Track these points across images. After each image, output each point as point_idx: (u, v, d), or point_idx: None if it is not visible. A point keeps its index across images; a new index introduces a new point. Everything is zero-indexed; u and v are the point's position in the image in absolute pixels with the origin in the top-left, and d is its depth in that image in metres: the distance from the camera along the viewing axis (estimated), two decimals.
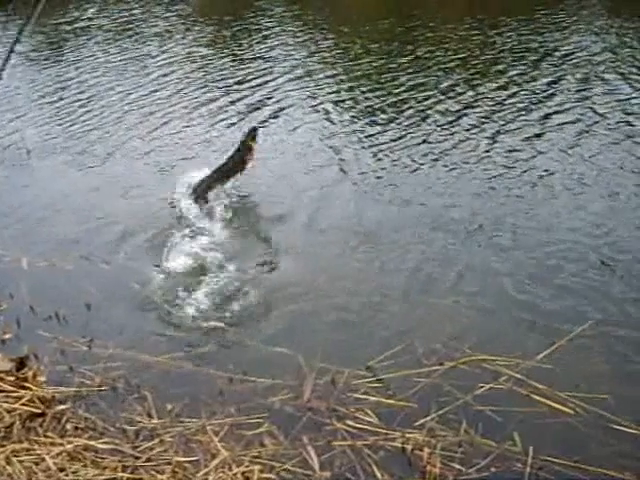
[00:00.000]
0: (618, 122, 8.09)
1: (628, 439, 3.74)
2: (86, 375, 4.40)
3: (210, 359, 4.55)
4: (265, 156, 7.35)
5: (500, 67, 10.48)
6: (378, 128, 8.39)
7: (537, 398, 4.03)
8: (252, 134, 6.89)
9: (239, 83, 10.49)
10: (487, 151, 7.55)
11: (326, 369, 4.31)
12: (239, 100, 9.63)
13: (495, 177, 6.98)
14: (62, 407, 4.12)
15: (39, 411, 4.05)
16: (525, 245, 5.73)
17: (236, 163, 6.81)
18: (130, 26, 14.70)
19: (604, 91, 9.13)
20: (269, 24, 14.27)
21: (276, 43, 12.74)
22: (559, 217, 6.15)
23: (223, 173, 6.79)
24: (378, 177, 7.13)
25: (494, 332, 4.69)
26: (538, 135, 7.91)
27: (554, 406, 3.97)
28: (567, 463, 3.60)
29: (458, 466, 3.61)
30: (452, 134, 8.04)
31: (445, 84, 9.76)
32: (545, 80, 9.72)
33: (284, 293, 5.24)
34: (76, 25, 15.11)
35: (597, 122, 8.13)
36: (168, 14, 15.74)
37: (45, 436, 3.87)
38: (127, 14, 15.89)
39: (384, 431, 3.86)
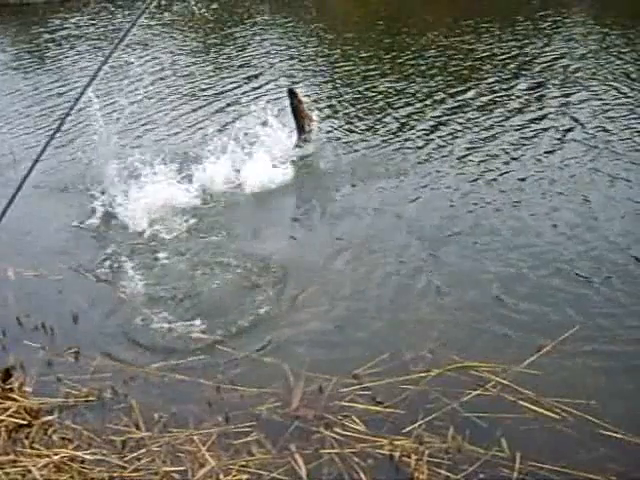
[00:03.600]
0: (594, 128, 8.19)
1: (614, 444, 3.75)
2: (73, 386, 4.38)
3: (197, 369, 4.54)
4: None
5: (479, 74, 10.58)
6: (355, 134, 8.43)
7: (524, 404, 4.04)
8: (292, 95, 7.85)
9: (218, 89, 10.52)
10: (462, 158, 7.62)
11: (313, 377, 4.31)
12: (218, 107, 9.65)
13: (472, 183, 7.05)
14: (49, 418, 4.10)
15: (25, 422, 4.03)
16: (507, 252, 5.74)
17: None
18: (113, 35, 14.71)
19: (581, 98, 9.23)
20: (252, 32, 14.32)
21: (258, 51, 12.80)
22: (538, 223, 6.19)
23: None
24: (356, 185, 7.16)
25: (481, 339, 4.70)
26: (514, 142, 7.99)
27: (541, 412, 3.98)
28: (554, 468, 3.61)
29: (446, 472, 3.61)
30: (428, 141, 8.11)
31: (424, 90, 9.85)
32: (522, 87, 9.85)
33: (270, 303, 5.22)
34: (58, 34, 15.09)
35: (573, 128, 8.23)
36: (152, 23, 15.75)
37: (31, 447, 3.84)
38: (110, 23, 15.89)
39: (372, 438, 3.86)
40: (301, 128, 7.93)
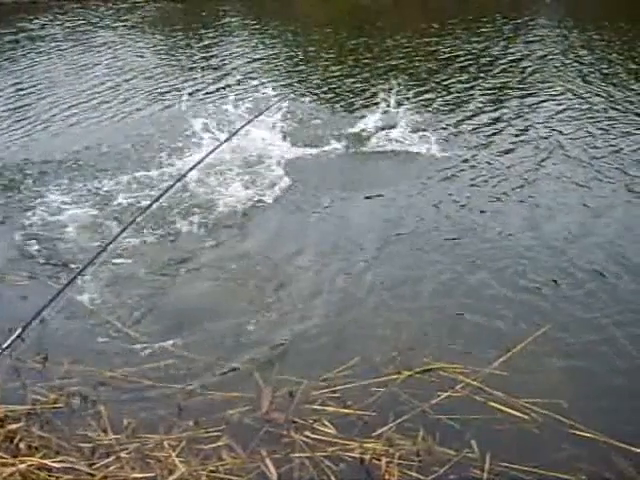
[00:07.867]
0: (548, 130, 8.37)
1: (583, 443, 3.79)
2: (40, 392, 4.32)
3: (167, 374, 4.50)
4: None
5: (436, 74, 10.73)
6: (311, 136, 8.42)
7: (494, 405, 4.06)
8: None
9: (178, 90, 10.49)
10: (418, 159, 7.69)
11: (284, 381, 4.30)
12: (176, 108, 9.60)
13: (437, 183, 7.13)
14: (15, 426, 4.02)
15: None
16: (475, 254, 5.77)
17: None
18: (77, 36, 14.60)
19: (535, 99, 9.44)
20: (217, 34, 14.29)
21: (221, 52, 12.77)
22: (496, 225, 6.25)
23: None
24: (317, 187, 7.17)
25: (450, 340, 4.71)
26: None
27: (510, 412, 4.00)
28: (524, 468, 3.63)
29: (416, 474, 3.62)
30: (384, 142, 8.16)
31: (383, 92, 9.87)
32: (477, 88, 10.05)
33: (240, 307, 5.21)
34: (21, 35, 14.93)
35: (527, 130, 8.40)
36: (117, 24, 15.66)
37: None
38: (74, 25, 15.75)
39: (342, 441, 3.85)
40: None
